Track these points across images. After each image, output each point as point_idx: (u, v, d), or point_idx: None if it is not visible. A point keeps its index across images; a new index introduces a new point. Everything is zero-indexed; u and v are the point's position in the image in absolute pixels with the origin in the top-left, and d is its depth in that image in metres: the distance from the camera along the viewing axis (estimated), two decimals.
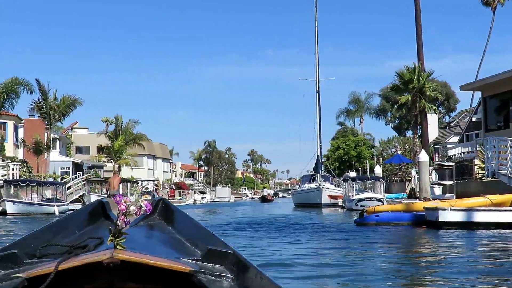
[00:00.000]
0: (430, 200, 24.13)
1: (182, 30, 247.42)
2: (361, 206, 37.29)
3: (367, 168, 72.36)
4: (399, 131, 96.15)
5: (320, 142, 58.19)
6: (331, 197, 47.44)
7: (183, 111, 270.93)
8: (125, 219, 2.49)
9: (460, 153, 59.55)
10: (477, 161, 33.47)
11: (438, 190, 36.35)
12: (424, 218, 19.64)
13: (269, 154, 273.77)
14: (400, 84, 47.13)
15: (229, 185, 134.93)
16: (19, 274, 2.52)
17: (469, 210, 18.38)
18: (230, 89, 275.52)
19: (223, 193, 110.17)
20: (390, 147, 65.55)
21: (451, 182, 33.91)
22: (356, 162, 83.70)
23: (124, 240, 2.48)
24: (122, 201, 2.52)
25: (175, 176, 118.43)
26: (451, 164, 33.74)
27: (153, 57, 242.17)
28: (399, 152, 63.93)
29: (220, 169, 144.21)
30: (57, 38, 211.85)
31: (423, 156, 31.75)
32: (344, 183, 43.17)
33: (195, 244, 3.20)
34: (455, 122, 79.54)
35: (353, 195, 39.29)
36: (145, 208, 2.55)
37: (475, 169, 33.54)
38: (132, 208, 2.51)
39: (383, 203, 37.32)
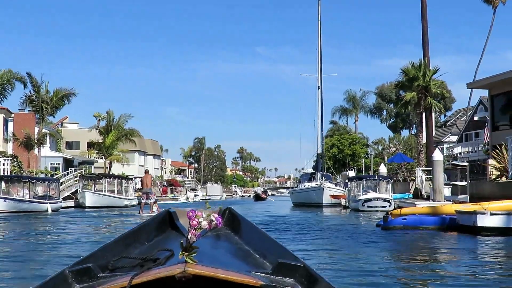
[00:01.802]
0: (460, 203, 22.61)
1: (175, 26, 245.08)
2: (367, 206, 36.02)
3: (362, 167, 71.10)
4: (394, 129, 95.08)
5: (322, 140, 56.72)
6: (333, 196, 45.91)
7: (173, 107, 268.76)
8: (196, 234, 2.50)
9: (460, 153, 58.53)
10: (491, 161, 32.15)
11: (447, 191, 34.88)
12: (456, 223, 18.18)
13: (257, 152, 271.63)
14: (405, 81, 45.64)
15: (218, 182, 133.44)
16: None
17: (511, 214, 16.88)
18: (220, 87, 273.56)
19: (215, 190, 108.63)
20: (391, 146, 64.16)
21: (464, 183, 32.55)
22: (351, 161, 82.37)
23: (195, 254, 2.49)
24: (194, 216, 2.53)
25: (165, 173, 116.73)
26: (465, 164, 32.33)
27: (144, 53, 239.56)
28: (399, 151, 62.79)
29: (210, 166, 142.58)
30: (48, 32, 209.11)
31: (437, 155, 30.32)
32: (349, 182, 41.66)
33: (264, 256, 3.21)
34: (451, 121, 78.53)
35: (359, 195, 37.81)
36: (216, 222, 2.57)
37: (489, 170, 32.19)
38: (204, 223, 2.53)
39: (390, 203, 36.04)
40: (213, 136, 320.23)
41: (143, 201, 32.49)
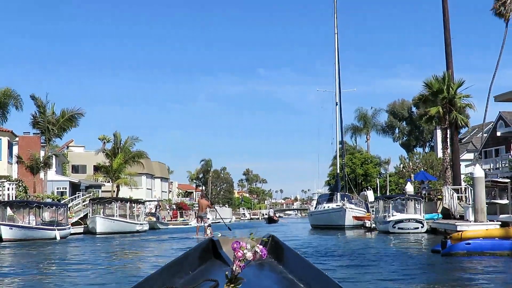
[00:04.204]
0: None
1: (176, 49, 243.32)
2: (398, 228, 33.76)
3: (376, 187, 68.81)
4: (407, 148, 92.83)
5: (343, 158, 54.35)
6: (356, 218, 43.55)
7: (176, 129, 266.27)
8: (240, 265, 2.51)
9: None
10: None
11: None
12: None
13: (262, 173, 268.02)
14: (428, 95, 43.40)
15: (226, 205, 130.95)
16: None
17: None
18: (221, 109, 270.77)
19: (224, 213, 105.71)
20: (411, 164, 61.77)
21: (505, 201, 30.26)
22: (363, 181, 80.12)
23: (240, 284, 2.50)
24: (239, 247, 2.55)
25: (172, 196, 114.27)
26: (506, 180, 30.02)
27: (145, 75, 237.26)
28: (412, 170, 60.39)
29: (218, 189, 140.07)
30: (53, 56, 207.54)
31: (478, 171, 27.94)
32: (375, 202, 39.35)
33: (309, 286, 3.20)
34: (467, 138, 76.27)
35: (388, 216, 35.41)
36: (260, 253, 2.59)
37: None
38: (249, 255, 2.54)
39: (423, 225, 33.79)
40: (217, 158, 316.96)
41: (198, 224, 32.45)
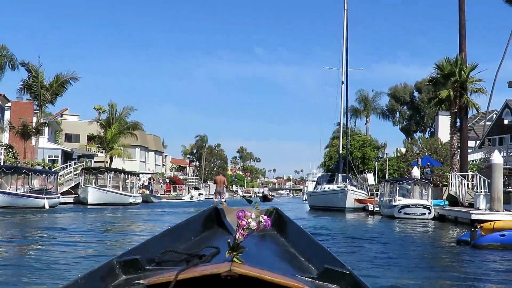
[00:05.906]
0: None
1: (178, 26, 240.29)
2: (404, 213, 32.23)
3: (375, 170, 67.28)
4: (407, 132, 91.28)
5: (347, 138, 52.66)
6: (358, 200, 41.96)
7: (171, 105, 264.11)
8: (244, 234, 2.48)
9: (481, 159, 54.72)
10: None
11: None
12: None
13: (255, 152, 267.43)
14: (439, 77, 41.67)
15: None
16: (141, 281, 2.57)
17: None
18: (217, 86, 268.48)
19: None
20: (415, 148, 60.12)
21: None
22: (361, 164, 78.49)
23: (242, 253, 2.47)
24: (244, 216, 2.51)
25: (165, 170, 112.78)
26: None
27: (142, 50, 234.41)
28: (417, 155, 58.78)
29: (212, 165, 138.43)
30: (48, 20, 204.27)
31: (497, 158, 26.33)
32: (380, 185, 37.78)
33: (310, 260, 3.18)
34: (468, 126, 74.93)
35: (394, 200, 33.82)
36: (264, 223, 2.56)
37: None
38: (253, 224, 2.51)
39: (430, 211, 32.19)
40: (211, 135, 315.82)
41: (215, 200, 31.82)
